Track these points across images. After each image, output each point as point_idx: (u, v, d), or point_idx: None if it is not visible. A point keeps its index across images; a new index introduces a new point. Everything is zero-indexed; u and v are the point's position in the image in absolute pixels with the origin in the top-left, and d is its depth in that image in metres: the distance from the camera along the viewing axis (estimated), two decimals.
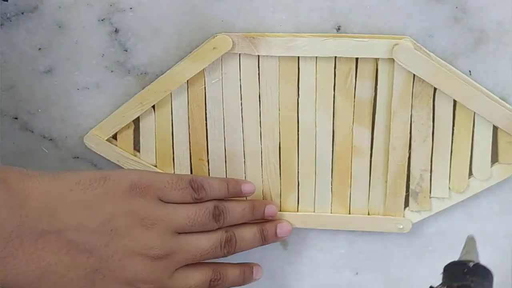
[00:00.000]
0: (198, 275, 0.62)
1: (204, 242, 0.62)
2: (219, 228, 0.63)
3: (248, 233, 0.66)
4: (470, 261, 0.58)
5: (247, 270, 0.67)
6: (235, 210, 0.65)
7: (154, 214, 0.60)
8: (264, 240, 0.67)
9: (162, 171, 0.69)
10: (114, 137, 0.69)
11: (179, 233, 0.61)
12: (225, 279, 0.64)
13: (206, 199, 0.63)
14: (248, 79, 0.65)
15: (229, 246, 0.63)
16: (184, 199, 0.62)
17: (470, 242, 0.63)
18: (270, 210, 0.68)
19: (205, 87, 0.66)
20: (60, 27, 0.66)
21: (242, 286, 0.67)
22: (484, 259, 0.70)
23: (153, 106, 0.67)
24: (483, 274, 0.58)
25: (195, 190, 0.62)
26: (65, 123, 0.69)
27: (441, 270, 0.71)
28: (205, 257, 0.62)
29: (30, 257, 0.54)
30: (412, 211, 0.68)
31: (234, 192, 0.66)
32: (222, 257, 0.64)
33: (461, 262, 0.59)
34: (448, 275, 0.59)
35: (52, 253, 0.55)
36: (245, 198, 0.68)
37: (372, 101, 0.65)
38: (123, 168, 0.69)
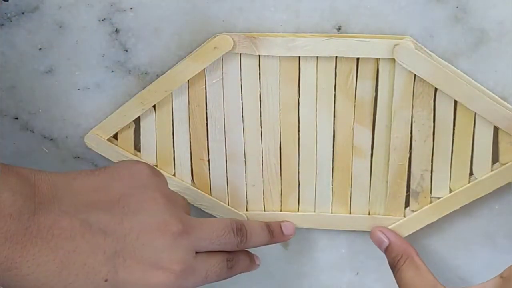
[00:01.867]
0: (217, 255, 0.60)
1: (216, 224, 0.60)
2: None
3: (256, 224, 0.65)
4: None
5: (252, 256, 0.67)
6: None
7: (169, 192, 0.59)
8: (271, 235, 0.66)
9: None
10: (115, 136, 0.69)
11: None
12: (238, 259, 0.63)
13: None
14: (249, 79, 0.65)
15: (241, 234, 0.62)
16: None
17: None
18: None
19: (205, 87, 0.66)
20: (60, 27, 0.66)
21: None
22: (484, 259, 0.70)
23: (154, 106, 0.67)
24: None
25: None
26: (65, 123, 0.69)
27: (441, 270, 0.71)
28: (219, 240, 0.60)
29: (48, 245, 0.52)
30: (412, 211, 0.68)
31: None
32: (237, 247, 0.62)
33: None
34: None
35: (68, 239, 0.53)
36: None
37: (373, 101, 0.65)
38: None
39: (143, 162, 0.61)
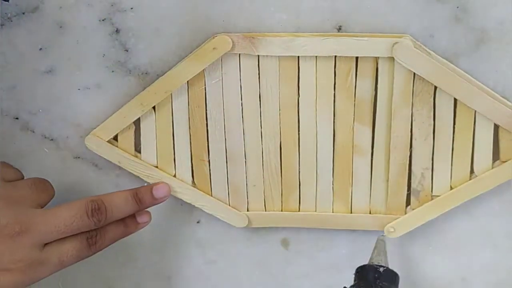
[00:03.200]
0: (72, 239, 0.61)
1: (65, 211, 0.61)
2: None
3: (118, 198, 0.64)
4: (381, 266, 0.63)
5: (128, 221, 0.66)
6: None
7: (10, 191, 0.61)
8: (139, 203, 0.65)
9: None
10: (115, 138, 0.69)
11: None
12: (105, 232, 0.63)
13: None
14: (248, 79, 0.65)
15: (99, 214, 0.62)
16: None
17: (380, 244, 0.67)
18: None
19: (205, 88, 0.66)
20: (61, 27, 0.66)
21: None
22: (484, 259, 0.70)
23: (154, 107, 0.67)
24: (391, 278, 0.64)
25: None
26: (66, 123, 0.69)
27: (441, 270, 0.71)
28: (71, 227, 0.60)
29: None
30: (413, 209, 0.68)
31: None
32: (95, 227, 0.62)
33: (373, 266, 0.64)
34: (360, 277, 0.64)
35: None
36: None
37: (373, 100, 0.65)
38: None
39: None
